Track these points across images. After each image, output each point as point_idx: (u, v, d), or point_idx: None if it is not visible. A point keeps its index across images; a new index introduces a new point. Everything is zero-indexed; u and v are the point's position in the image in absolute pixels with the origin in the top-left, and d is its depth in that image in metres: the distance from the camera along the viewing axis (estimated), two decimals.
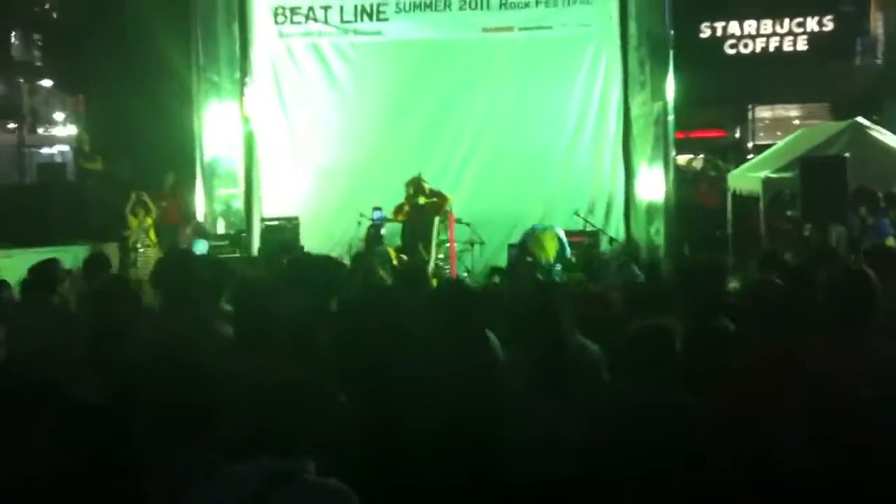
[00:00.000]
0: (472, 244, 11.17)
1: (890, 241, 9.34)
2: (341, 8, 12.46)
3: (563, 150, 12.30)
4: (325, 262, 6.44)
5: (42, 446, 3.27)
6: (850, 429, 3.36)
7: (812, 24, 20.30)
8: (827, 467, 3.33)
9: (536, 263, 9.58)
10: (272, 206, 12.27)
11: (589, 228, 11.38)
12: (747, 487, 3.41)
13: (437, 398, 4.09)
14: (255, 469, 2.80)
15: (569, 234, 10.97)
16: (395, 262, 9.26)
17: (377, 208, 10.53)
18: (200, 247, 10.87)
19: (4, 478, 3.14)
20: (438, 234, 10.96)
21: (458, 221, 10.98)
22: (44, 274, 5.78)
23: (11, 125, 23.77)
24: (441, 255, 10.77)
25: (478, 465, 3.99)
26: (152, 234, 12.08)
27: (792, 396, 3.43)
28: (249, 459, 2.85)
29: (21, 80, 24.76)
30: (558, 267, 10.13)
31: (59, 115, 25.23)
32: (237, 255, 10.96)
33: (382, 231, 10.68)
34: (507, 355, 4.39)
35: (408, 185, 10.86)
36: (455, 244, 10.96)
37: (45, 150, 23.67)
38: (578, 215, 11.49)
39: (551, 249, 10.29)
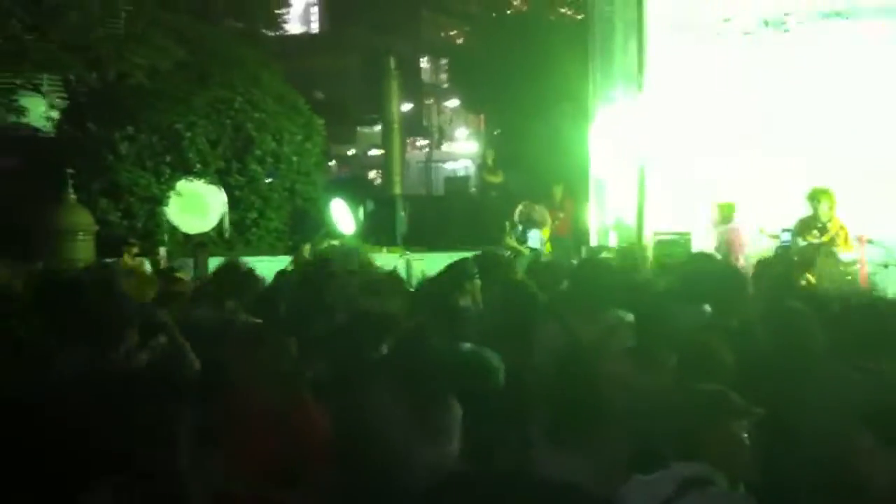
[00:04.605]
0: (885, 266, 10.20)
1: None
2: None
3: None
4: (727, 274, 6.19)
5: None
6: None
7: None
8: None
9: None
10: (663, 219, 12.13)
11: None
12: None
13: (840, 427, 3.63)
14: (668, 473, 2.84)
15: None
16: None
17: (787, 230, 9.87)
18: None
19: None
20: None
21: (870, 242, 10.07)
22: (456, 271, 6.30)
23: (421, 142, 26.05)
24: (849, 278, 9.92)
25: None
26: (548, 247, 12.48)
27: None
28: (657, 467, 2.89)
29: (430, 101, 26.90)
30: None
31: (461, 133, 27.02)
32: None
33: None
34: None
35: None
36: (866, 266, 10.04)
37: (448, 165, 25.53)
38: None
39: None
